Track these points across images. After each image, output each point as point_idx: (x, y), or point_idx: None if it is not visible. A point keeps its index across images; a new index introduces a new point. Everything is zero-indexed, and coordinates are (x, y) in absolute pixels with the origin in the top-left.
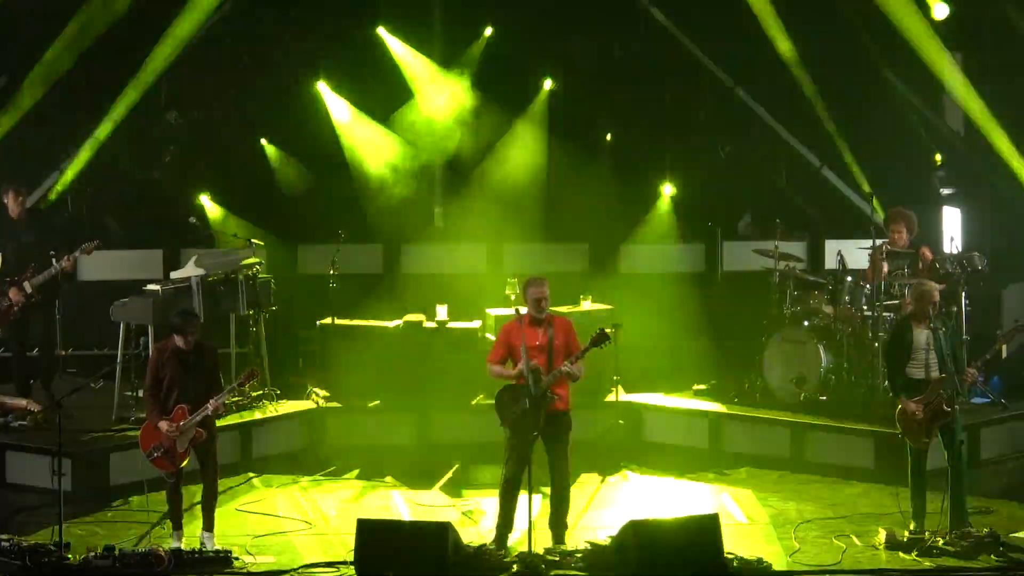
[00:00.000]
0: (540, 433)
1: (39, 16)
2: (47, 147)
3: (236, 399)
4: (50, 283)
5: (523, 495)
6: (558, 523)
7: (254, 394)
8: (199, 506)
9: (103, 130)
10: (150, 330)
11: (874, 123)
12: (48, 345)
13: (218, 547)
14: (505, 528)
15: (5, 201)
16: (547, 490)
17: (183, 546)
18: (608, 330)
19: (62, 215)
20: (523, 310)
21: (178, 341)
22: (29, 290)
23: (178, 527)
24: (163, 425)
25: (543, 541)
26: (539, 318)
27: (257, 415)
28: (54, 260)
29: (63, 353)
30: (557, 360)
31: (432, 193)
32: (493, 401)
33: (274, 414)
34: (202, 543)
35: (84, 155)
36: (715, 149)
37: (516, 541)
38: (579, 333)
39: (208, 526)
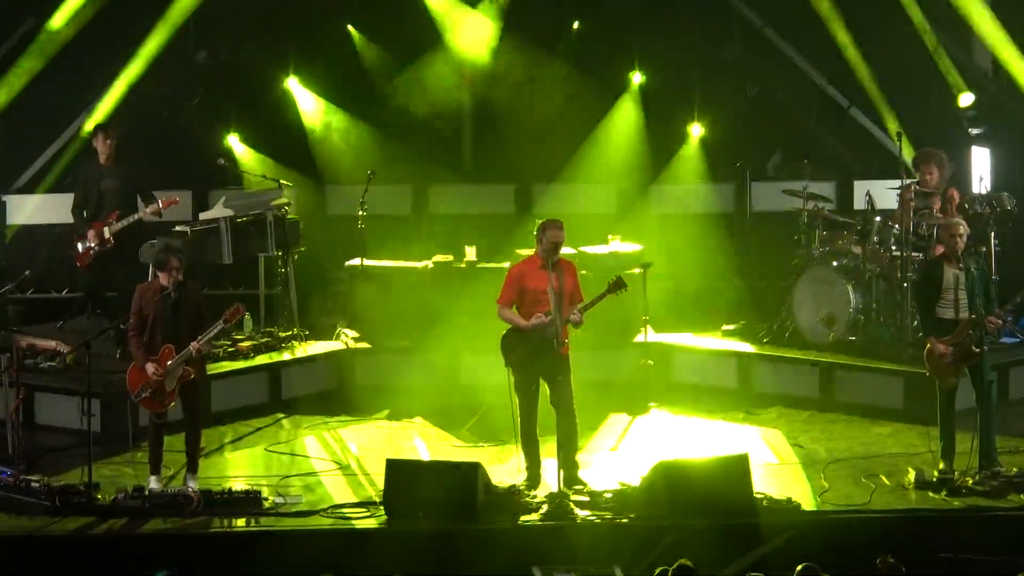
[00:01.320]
0: (543, 376)
1: None
2: (76, 88)
3: (265, 340)
4: (128, 232)
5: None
6: (568, 463)
7: (283, 335)
8: (216, 451)
9: (132, 71)
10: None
11: (903, 63)
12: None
13: (247, 488)
14: (535, 470)
15: (95, 144)
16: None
17: (160, 489)
18: (637, 271)
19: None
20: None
21: (161, 278)
22: (107, 235)
23: (156, 471)
24: (149, 368)
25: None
26: (551, 261)
27: (286, 356)
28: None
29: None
30: (566, 303)
31: (460, 134)
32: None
33: (303, 355)
34: (186, 485)
35: (113, 96)
36: (744, 89)
37: (543, 482)
38: (606, 273)
39: (192, 468)
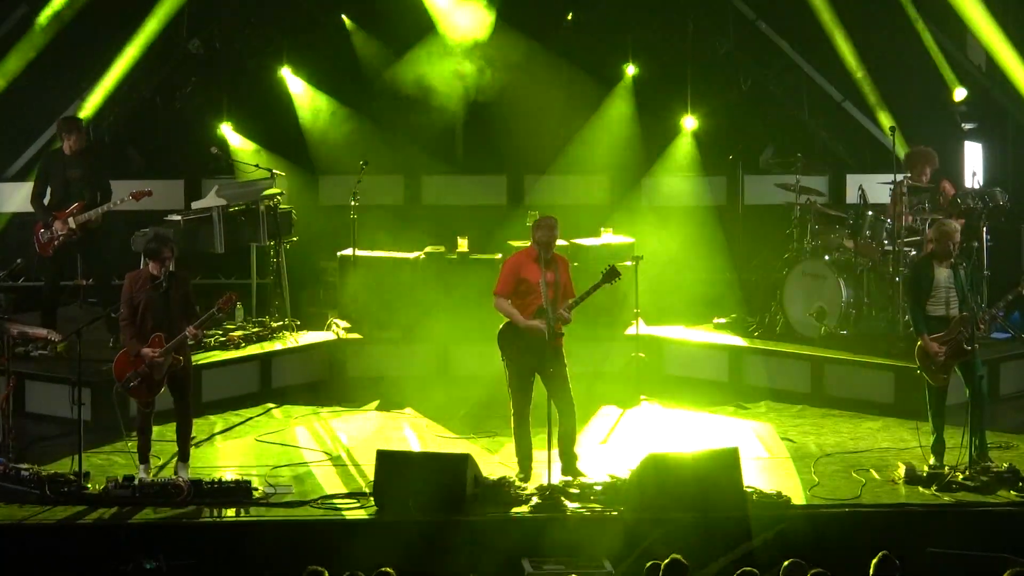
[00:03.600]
0: (538, 368)
1: None
2: (69, 77)
3: (256, 330)
4: (91, 224)
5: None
6: (567, 454)
7: (274, 325)
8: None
9: (125, 59)
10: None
11: (896, 57)
12: (103, 279)
13: (237, 477)
14: (526, 460)
15: (62, 136)
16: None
17: (149, 478)
18: (629, 263)
19: (107, 152)
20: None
21: (152, 268)
22: (73, 225)
23: (144, 460)
24: (147, 352)
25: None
26: (546, 257)
27: (277, 346)
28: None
29: (84, 283)
30: (560, 297)
31: (454, 125)
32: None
33: (294, 345)
34: (176, 474)
35: (106, 85)
36: (737, 82)
37: (534, 474)
38: (598, 265)
39: (183, 457)
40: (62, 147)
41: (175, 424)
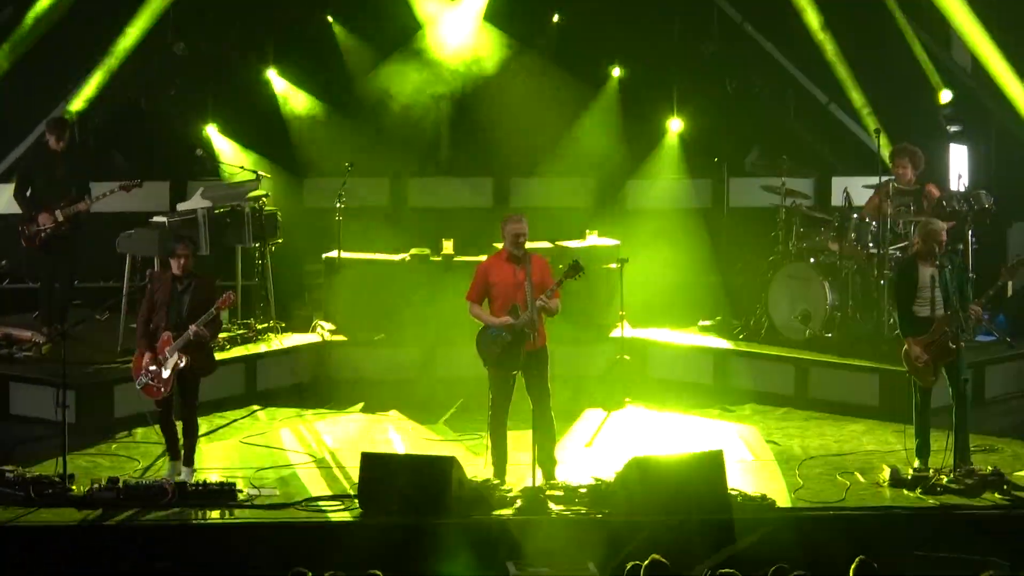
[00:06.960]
0: (521, 370)
1: None
2: (53, 78)
3: (241, 332)
4: (79, 217)
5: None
6: (547, 458)
7: (260, 327)
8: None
9: (110, 62)
10: (156, 262)
11: (881, 59)
12: (66, 279)
13: (222, 479)
14: (500, 463)
15: (48, 136)
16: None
17: (180, 476)
18: (614, 265)
19: (89, 151)
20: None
21: (172, 267)
22: (60, 218)
23: (175, 456)
24: (146, 358)
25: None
26: (517, 255)
27: (262, 348)
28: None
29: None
30: (536, 296)
31: (439, 127)
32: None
33: (279, 347)
34: (171, 474)
35: (90, 86)
36: (723, 84)
37: (518, 477)
38: (584, 267)
39: (188, 461)
40: (47, 144)
41: (181, 425)
